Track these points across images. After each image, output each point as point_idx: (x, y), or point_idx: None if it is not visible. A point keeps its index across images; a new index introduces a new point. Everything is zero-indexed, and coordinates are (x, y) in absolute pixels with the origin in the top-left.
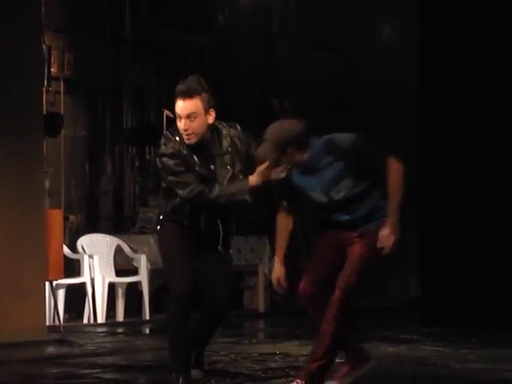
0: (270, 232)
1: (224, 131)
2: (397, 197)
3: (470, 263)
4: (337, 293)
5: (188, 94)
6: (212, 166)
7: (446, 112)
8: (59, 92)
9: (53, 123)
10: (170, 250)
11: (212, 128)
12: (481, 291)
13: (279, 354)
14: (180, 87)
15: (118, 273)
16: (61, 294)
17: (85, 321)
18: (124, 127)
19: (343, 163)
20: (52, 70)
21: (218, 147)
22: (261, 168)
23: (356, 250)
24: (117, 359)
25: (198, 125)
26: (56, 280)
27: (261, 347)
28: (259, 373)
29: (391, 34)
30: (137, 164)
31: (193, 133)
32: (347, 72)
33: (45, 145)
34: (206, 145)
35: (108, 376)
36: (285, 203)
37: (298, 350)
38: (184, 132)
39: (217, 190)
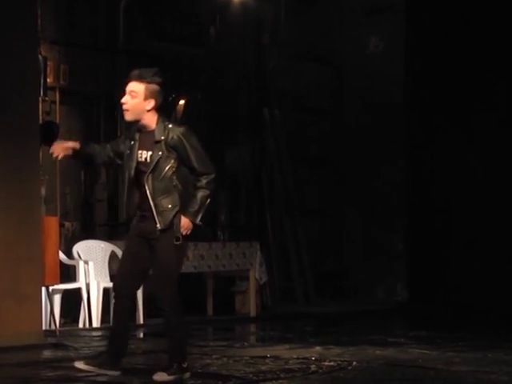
0: (261, 238)
1: (168, 125)
2: None
3: (456, 268)
4: None
5: (136, 77)
6: (149, 152)
7: (432, 121)
8: (55, 102)
9: (49, 132)
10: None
11: (161, 122)
12: (467, 295)
13: (270, 357)
14: (134, 71)
15: (113, 278)
16: (57, 298)
17: (80, 325)
18: (118, 136)
19: None
20: (48, 80)
21: (157, 135)
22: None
23: None
24: None
25: (134, 103)
26: (52, 285)
27: (252, 350)
28: (250, 375)
29: (378, 44)
30: None
31: (128, 109)
32: (335, 82)
33: (41, 153)
34: (150, 132)
35: (102, 379)
36: None
37: (289, 353)
38: (123, 105)
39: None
